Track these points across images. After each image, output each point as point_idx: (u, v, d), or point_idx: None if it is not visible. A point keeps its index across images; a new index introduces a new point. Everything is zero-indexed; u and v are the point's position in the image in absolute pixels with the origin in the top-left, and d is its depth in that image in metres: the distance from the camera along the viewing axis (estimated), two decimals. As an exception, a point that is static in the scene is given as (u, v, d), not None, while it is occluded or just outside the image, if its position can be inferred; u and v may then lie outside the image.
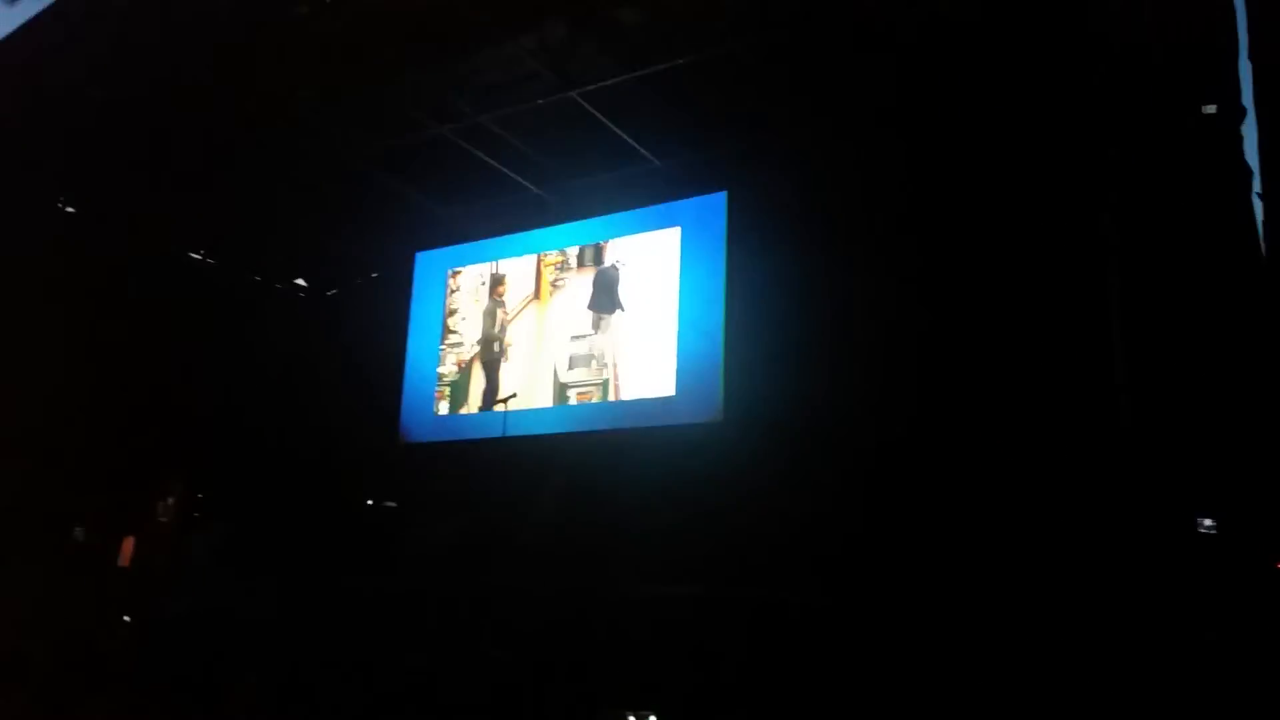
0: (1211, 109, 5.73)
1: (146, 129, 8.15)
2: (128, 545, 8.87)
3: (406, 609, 6.55)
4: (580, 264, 8.53)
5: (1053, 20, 5.90)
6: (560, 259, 8.66)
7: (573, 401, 8.24)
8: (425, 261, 9.56)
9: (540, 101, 7.44)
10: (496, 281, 9.00)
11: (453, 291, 9.31)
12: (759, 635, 5.35)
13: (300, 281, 11.00)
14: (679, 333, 7.75)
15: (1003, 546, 5.42)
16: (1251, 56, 5.32)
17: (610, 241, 8.38)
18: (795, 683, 4.95)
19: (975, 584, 5.20)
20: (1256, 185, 5.41)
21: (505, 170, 8.57)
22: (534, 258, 8.84)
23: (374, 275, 10.50)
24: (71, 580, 8.06)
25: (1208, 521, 4.81)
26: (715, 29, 6.50)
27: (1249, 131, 5.53)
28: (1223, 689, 3.99)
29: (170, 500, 9.12)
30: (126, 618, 7.77)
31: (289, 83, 7.71)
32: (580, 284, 8.46)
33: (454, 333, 9.18)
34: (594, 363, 8.19)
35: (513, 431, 7.79)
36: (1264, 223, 5.29)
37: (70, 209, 9.43)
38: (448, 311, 9.26)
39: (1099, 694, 4.18)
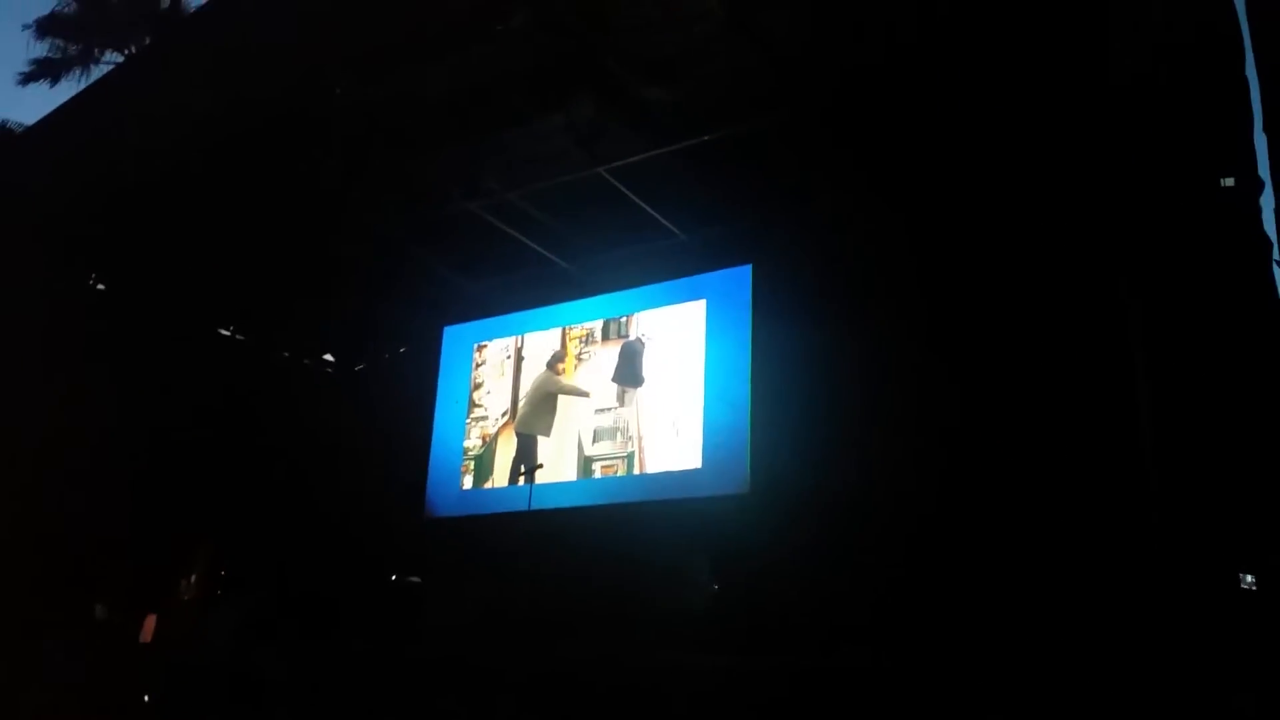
0: (1230, 182, 5.84)
1: (176, 205, 8.33)
2: (150, 622, 8.83)
3: (431, 682, 6.49)
4: (605, 337, 8.63)
5: (1073, 97, 6.04)
6: (585, 332, 8.75)
7: (597, 475, 8.24)
8: (452, 335, 9.67)
9: (568, 178, 7.61)
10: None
11: (479, 365, 9.39)
12: (786, 706, 5.28)
13: (328, 356, 11.12)
14: (704, 405, 7.78)
15: (1036, 613, 5.36)
16: (1266, 129, 5.42)
17: (636, 314, 8.49)
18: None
19: (1008, 653, 5.13)
20: (1276, 254, 5.48)
21: (532, 244, 8.74)
22: (559, 331, 8.94)
23: (401, 349, 10.63)
24: (92, 656, 8.00)
25: (1249, 578, 4.78)
26: (739, 106, 6.68)
27: (1266, 203, 5.63)
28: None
29: (193, 577, 9.10)
30: (146, 698, 7.69)
31: (319, 158, 7.92)
32: (605, 357, 8.54)
33: (479, 406, 9.24)
34: (619, 436, 8.22)
35: (538, 505, 7.78)
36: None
37: (101, 285, 9.61)
38: (474, 385, 9.34)
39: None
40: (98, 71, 14.20)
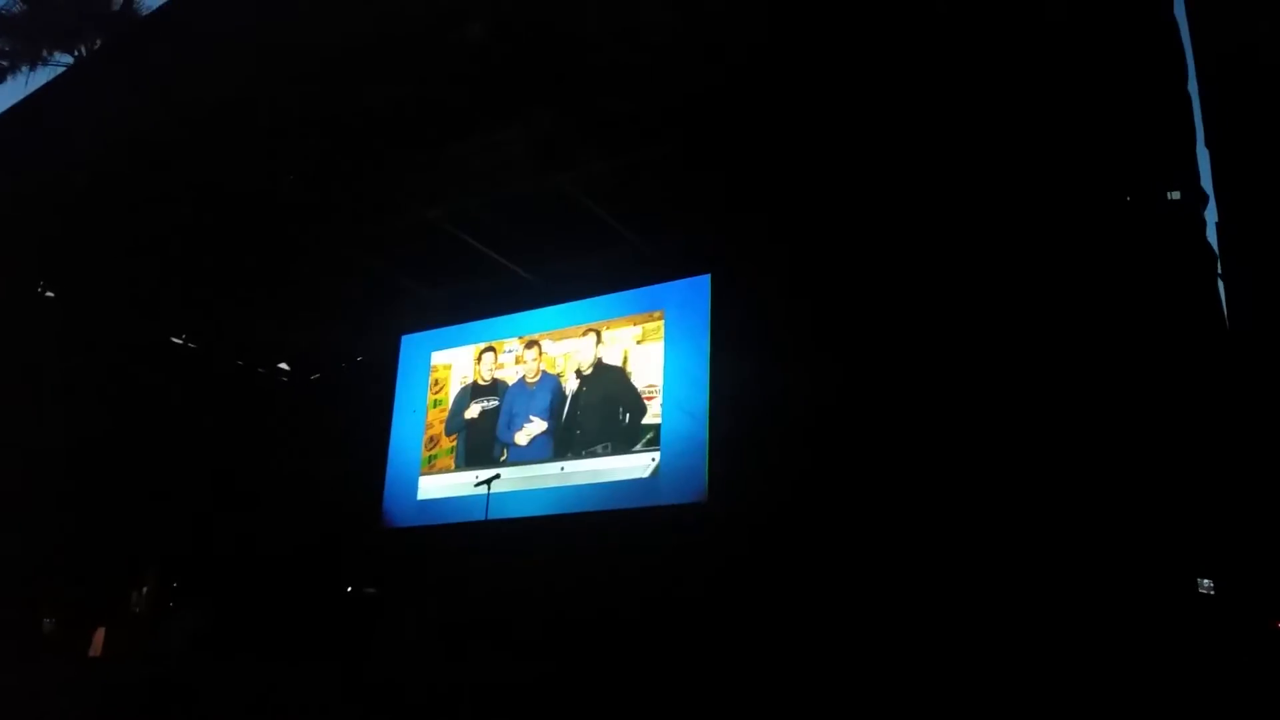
0: (1176, 195, 5.99)
1: (129, 213, 8.23)
2: (99, 636, 8.68)
3: (386, 696, 6.44)
4: (563, 345, 8.63)
5: (1029, 110, 6.14)
6: (544, 340, 8.75)
7: (555, 484, 8.23)
8: (410, 345, 9.61)
9: (526, 187, 7.59)
10: (489, 363, 9.05)
11: (437, 374, 9.35)
12: (748, 712, 5.30)
13: (283, 366, 11.00)
14: (663, 414, 7.81)
15: (998, 618, 5.44)
16: (1209, 144, 5.56)
17: (594, 324, 8.49)
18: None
19: (971, 658, 5.20)
20: (1219, 267, 5.63)
21: (491, 253, 8.71)
22: (516, 340, 8.93)
23: (358, 359, 10.54)
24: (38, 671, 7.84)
25: (1206, 582, 4.91)
26: (699, 117, 6.71)
27: (1210, 216, 5.78)
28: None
29: (145, 589, 8.96)
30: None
31: (275, 167, 7.86)
32: (564, 366, 8.55)
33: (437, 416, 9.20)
34: (577, 445, 8.23)
35: (495, 514, 7.73)
36: (1226, 301, 5.50)
37: (50, 293, 9.45)
38: (431, 394, 9.29)
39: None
40: (44, 73, 13.98)
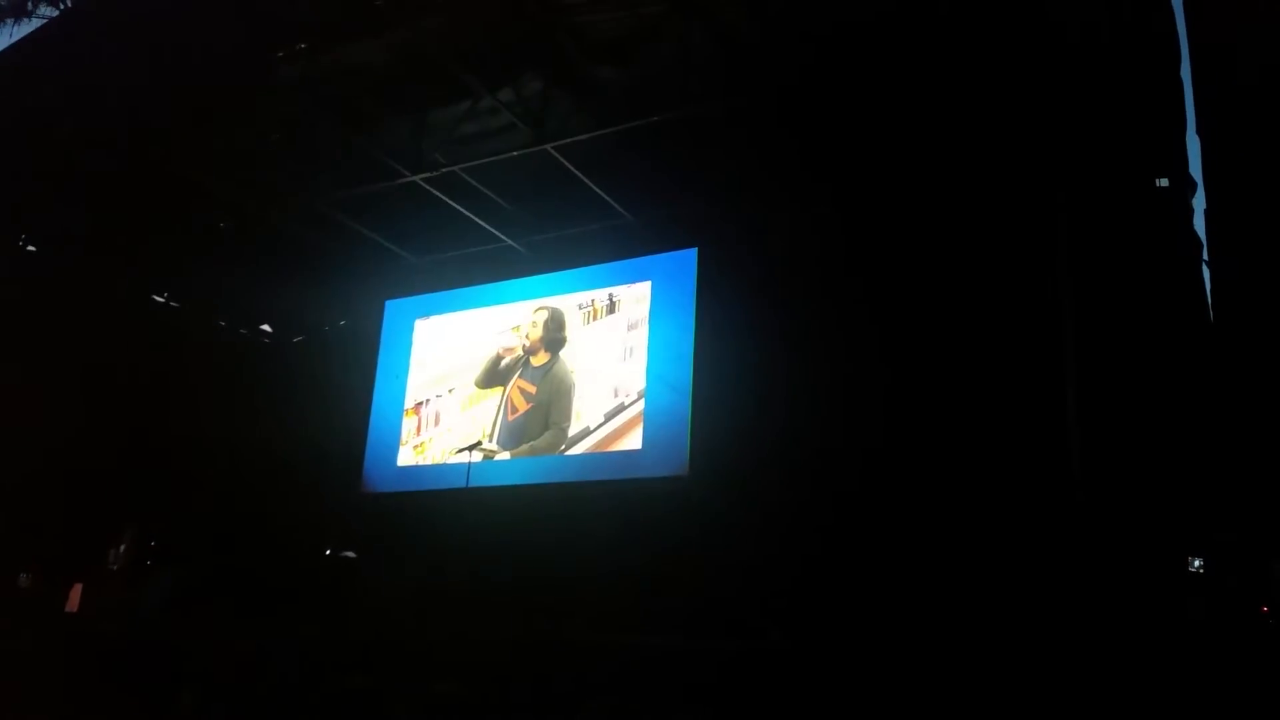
0: (1164, 182, 6.00)
1: (112, 169, 8.13)
2: (75, 591, 8.65)
3: (362, 657, 6.44)
4: (548, 315, 8.60)
5: (1017, 98, 6.13)
6: (531, 310, 8.71)
7: (531, 452, 8.23)
8: (394, 310, 9.56)
9: (515, 154, 7.53)
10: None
11: (421, 341, 9.30)
12: (723, 686, 5.33)
13: (266, 328, 10.92)
14: (647, 386, 7.81)
15: (972, 592, 5.48)
16: (1200, 131, 5.57)
17: (580, 294, 8.46)
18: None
19: (946, 631, 5.24)
20: (1205, 254, 5.66)
21: (478, 220, 8.65)
22: (502, 308, 8.89)
23: (341, 323, 10.47)
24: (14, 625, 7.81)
25: (1197, 562, 4.97)
26: (689, 90, 6.66)
27: (1198, 203, 5.80)
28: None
29: (122, 547, 8.92)
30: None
31: (261, 128, 7.77)
32: (548, 335, 8.53)
33: (420, 382, 9.17)
34: (558, 414, 8.22)
35: (476, 482, 7.72)
36: (1211, 288, 5.53)
37: (31, 247, 9.33)
38: (415, 361, 9.25)
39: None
40: (30, 26, 13.74)
